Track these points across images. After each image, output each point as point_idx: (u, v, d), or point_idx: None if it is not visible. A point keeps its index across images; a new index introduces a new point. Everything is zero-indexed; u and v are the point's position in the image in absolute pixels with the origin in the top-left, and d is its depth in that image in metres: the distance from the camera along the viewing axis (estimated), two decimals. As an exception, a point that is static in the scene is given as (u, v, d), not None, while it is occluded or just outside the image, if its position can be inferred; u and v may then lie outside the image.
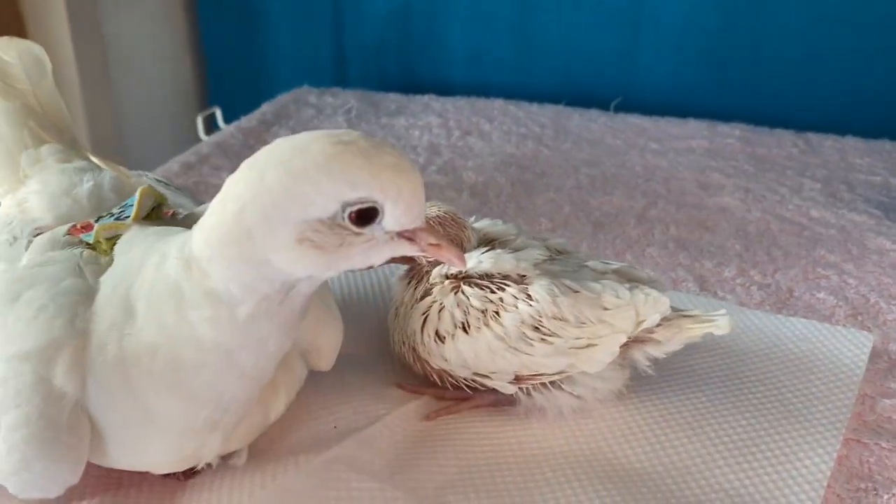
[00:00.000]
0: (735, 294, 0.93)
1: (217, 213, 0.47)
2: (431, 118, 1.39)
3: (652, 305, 0.67)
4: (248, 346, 0.49)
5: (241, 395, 0.53)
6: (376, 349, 0.78)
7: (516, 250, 0.71)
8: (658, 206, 1.13)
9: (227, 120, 1.42)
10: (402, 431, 0.69)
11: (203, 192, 1.12)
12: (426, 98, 1.50)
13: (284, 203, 0.44)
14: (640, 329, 0.67)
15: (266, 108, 1.43)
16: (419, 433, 0.69)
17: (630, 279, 0.71)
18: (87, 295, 0.52)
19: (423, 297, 0.69)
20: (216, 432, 0.54)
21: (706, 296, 0.92)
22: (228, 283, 0.46)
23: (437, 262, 0.70)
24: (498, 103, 1.46)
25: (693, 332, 0.68)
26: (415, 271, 0.72)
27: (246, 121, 1.38)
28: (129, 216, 0.57)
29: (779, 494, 0.64)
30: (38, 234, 0.59)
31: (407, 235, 0.47)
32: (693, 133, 1.38)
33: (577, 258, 0.74)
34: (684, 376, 0.76)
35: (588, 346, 0.66)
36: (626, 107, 1.50)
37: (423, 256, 0.69)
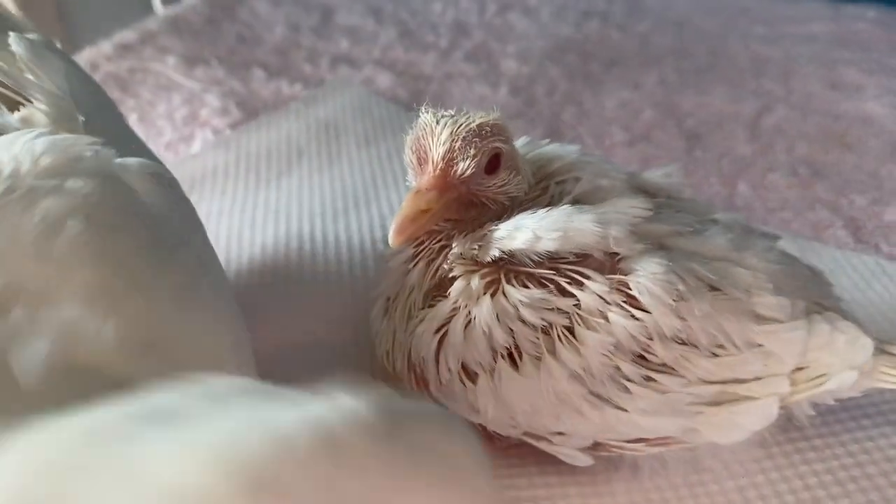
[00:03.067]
0: (910, 250, 0.61)
1: None
2: (460, -12, 1.05)
3: (847, 351, 0.38)
4: None
5: None
6: (346, 348, 0.49)
7: (587, 200, 0.40)
8: (776, 112, 0.81)
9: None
10: None
11: (139, 84, 0.81)
12: (454, -36, 1.15)
13: None
14: (809, 381, 0.38)
15: (245, -27, 1.10)
16: None
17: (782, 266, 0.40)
18: None
19: (435, 293, 0.39)
20: None
21: (865, 251, 0.60)
22: None
23: (455, 230, 0.40)
24: (549, -29, 1.11)
25: (889, 381, 0.41)
26: (426, 243, 0.41)
27: (216, -11, 1.04)
28: None
29: None
30: None
31: None
32: (811, 14, 1.04)
33: (695, 207, 0.43)
34: (861, 403, 0.46)
35: (728, 401, 0.36)
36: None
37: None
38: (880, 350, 0.41)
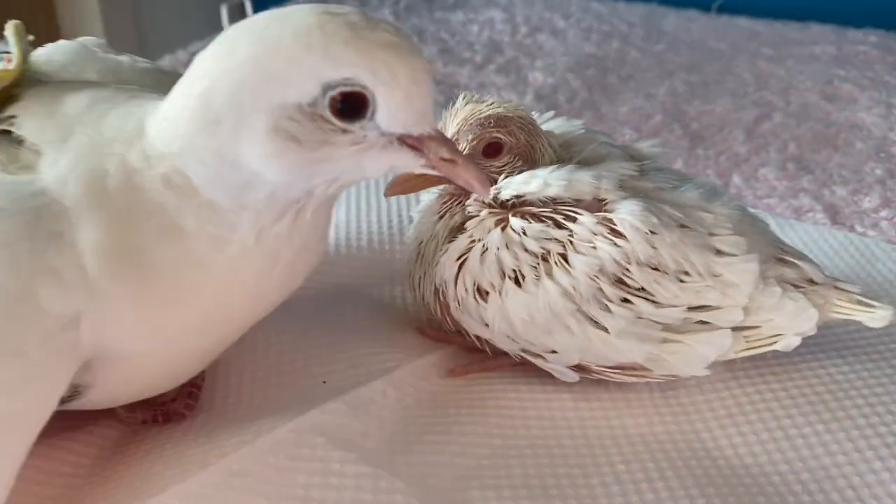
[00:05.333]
0: (880, 230, 0.71)
1: (183, 95, 0.38)
2: (495, 13, 1.18)
3: (794, 318, 0.48)
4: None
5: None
6: (390, 282, 0.59)
7: (588, 162, 0.49)
8: (773, 118, 0.91)
9: (258, 9, 1.23)
10: (415, 393, 0.50)
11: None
12: (491, -9, 1.27)
13: (255, 81, 0.36)
14: (760, 340, 0.48)
15: (302, -2, 1.23)
16: (438, 396, 0.50)
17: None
18: None
19: (457, 232, 0.48)
20: None
21: (840, 229, 0.70)
22: (208, 185, 0.37)
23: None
24: (576, -1, 1.23)
25: (841, 312, 0.49)
26: (448, 198, 0.50)
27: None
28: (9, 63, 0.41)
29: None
30: None
31: (411, 142, 0.38)
32: (816, 38, 1.14)
33: (675, 172, 0.52)
34: (818, 339, 0.54)
35: (690, 331, 0.46)
36: (730, 9, 1.25)
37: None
38: (834, 286, 0.49)
